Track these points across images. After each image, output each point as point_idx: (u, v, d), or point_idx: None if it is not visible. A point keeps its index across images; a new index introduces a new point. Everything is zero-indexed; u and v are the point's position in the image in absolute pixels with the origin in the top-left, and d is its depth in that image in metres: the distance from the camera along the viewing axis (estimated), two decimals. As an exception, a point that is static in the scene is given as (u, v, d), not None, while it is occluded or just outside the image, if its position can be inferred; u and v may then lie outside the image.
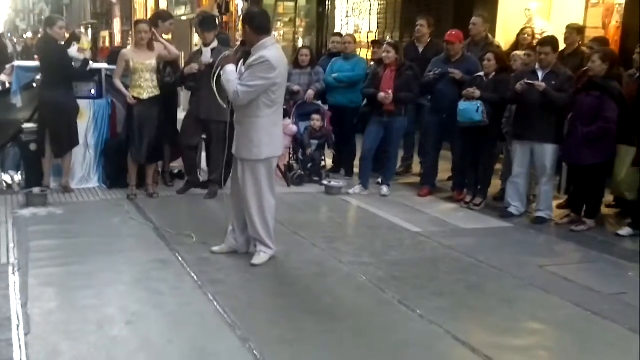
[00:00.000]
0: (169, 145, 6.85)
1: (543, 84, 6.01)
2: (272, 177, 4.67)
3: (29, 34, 35.60)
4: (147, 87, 6.23)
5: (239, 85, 4.33)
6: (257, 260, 4.63)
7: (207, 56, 6.19)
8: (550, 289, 4.41)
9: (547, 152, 5.89)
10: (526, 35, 7.11)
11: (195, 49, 6.50)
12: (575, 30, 6.82)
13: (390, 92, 6.47)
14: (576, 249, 5.43)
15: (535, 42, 7.05)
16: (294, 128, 7.50)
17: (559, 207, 6.37)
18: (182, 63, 7.88)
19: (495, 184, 6.83)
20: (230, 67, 4.43)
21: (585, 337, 3.77)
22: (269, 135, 4.48)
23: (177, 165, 7.22)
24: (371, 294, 4.23)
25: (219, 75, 4.48)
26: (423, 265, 4.80)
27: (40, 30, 17.95)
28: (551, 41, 5.99)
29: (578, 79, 5.90)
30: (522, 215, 6.17)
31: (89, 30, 36.94)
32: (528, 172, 6.15)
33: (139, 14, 26.41)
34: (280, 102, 4.58)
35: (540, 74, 5.86)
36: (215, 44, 6.34)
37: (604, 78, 5.53)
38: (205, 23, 6.61)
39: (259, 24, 4.44)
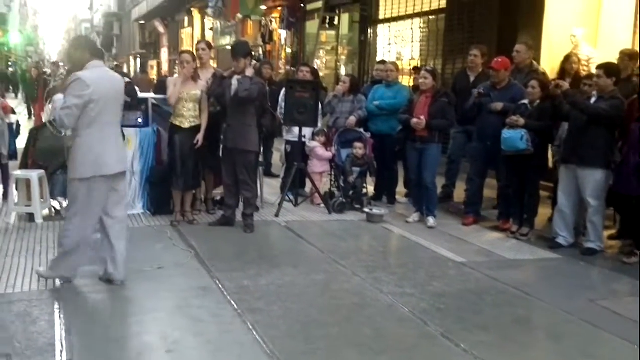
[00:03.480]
0: (211, 173, 6.93)
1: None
2: (97, 203, 4.45)
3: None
4: (189, 117, 6.33)
5: (59, 110, 4.36)
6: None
7: (234, 84, 6.13)
8: (600, 324, 4.24)
9: (594, 178, 5.71)
10: (573, 65, 6.92)
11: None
12: (628, 56, 6.64)
13: (422, 117, 6.42)
14: (628, 282, 5.21)
15: (582, 68, 6.92)
16: (327, 154, 7.49)
17: (611, 237, 6.16)
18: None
19: (545, 213, 6.66)
20: (57, 96, 4.43)
21: (639, 375, 3.60)
22: (93, 154, 4.37)
23: (219, 192, 7.28)
24: (413, 326, 4.14)
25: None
26: (468, 297, 4.68)
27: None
28: (606, 66, 5.85)
29: (629, 106, 5.73)
30: (572, 246, 5.98)
31: (138, 60, 38.15)
32: (576, 201, 5.98)
33: (186, 44, 27.12)
34: (106, 121, 4.44)
35: (593, 100, 5.74)
36: (250, 72, 6.21)
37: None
38: (234, 49, 6.41)
39: (90, 47, 4.58)
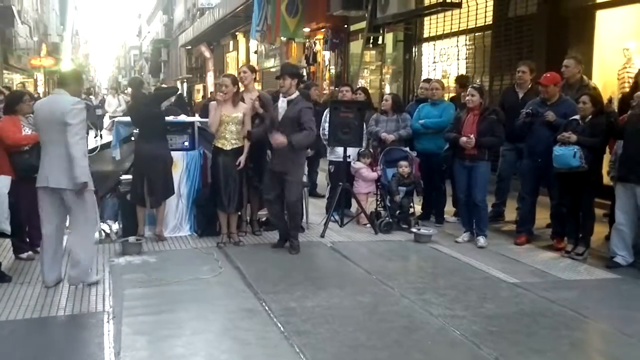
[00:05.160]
0: (256, 194, 6.94)
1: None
2: (43, 211, 5.13)
3: (130, 90, 38.05)
4: (231, 139, 6.37)
5: None
6: None
7: (282, 105, 6.16)
8: (665, 348, 4.02)
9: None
10: None
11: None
12: None
13: (472, 136, 6.30)
14: (693, 304, 4.95)
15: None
16: (372, 174, 7.41)
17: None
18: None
19: (601, 231, 6.42)
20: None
21: None
22: (39, 168, 5.11)
23: (264, 213, 7.29)
24: (466, 349, 4.00)
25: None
26: (521, 320, 4.50)
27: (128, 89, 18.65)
28: None
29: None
30: (631, 265, 5.73)
31: (184, 84, 38.97)
32: (634, 219, 5.74)
33: (231, 68, 27.58)
34: (47, 140, 5.03)
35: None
36: (294, 95, 6.21)
37: None
38: (282, 69, 6.45)
39: (59, 78, 5.44)
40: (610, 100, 6.02)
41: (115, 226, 6.88)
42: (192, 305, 4.74)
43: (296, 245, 6.29)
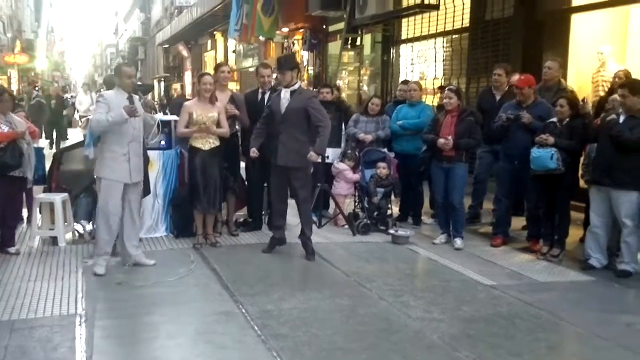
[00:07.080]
0: (233, 195, 6.87)
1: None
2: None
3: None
4: (208, 138, 6.30)
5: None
6: None
7: (285, 97, 5.97)
8: (639, 350, 4.04)
9: (629, 198, 5.52)
10: (617, 80, 6.70)
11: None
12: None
13: (450, 137, 6.32)
14: (667, 306, 5.01)
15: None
16: (355, 176, 7.39)
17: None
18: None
19: (576, 234, 6.47)
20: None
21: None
22: None
23: (241, 214, 7.22)
24: (443, 353, 3.99)
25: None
26: (499, 322, 4.51)
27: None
28: (629, 84, 5.70)
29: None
30: (605, 267, 5.79)
31: (161, 83, 38.60)
32: (608, 222, 5.79)
33: (209, 67, 27.37)
34: None
35: (621, 118, 5.58)
36: (297, 85, 6.04)
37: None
38: (279, 63, 6.13)
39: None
40: (584, 101, 6.05)
41: (89, 226, 6.74)
42: (167, 308, 4.65)
43: (311, 250, 6.11)
